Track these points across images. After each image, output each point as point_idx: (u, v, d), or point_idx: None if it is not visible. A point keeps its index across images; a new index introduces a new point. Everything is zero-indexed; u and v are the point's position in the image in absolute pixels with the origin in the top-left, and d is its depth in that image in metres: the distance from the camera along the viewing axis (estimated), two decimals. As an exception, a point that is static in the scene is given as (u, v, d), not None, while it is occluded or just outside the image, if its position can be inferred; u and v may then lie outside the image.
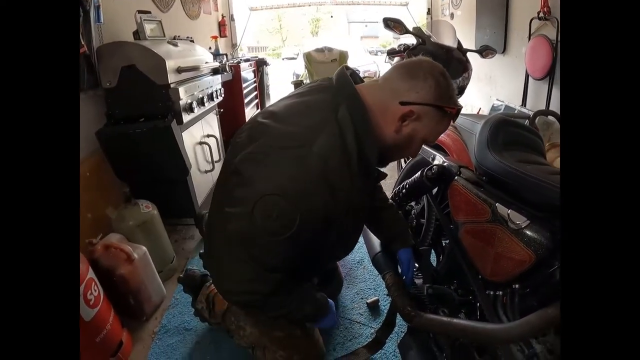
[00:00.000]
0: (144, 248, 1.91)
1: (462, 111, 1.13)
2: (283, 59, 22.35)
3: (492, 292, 1.14)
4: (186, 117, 2.36)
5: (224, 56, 3.98)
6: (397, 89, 1.03)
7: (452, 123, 1.11)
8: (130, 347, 1.75)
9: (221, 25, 5.06)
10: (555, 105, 3.29)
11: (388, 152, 1.11)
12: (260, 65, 4.90)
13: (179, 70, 2.33)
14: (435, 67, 1.04)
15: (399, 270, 1.42)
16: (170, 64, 2.23)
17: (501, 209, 1.08)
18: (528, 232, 1.01)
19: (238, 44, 5.39)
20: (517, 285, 1.05)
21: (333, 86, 1.10)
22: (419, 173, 1.39)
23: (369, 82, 1.16)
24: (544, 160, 1.27)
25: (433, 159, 1.48)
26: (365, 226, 1.53)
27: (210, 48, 3.99)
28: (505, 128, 1.29)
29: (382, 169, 1.22)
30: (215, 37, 4.30)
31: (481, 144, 1.25)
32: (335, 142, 0.99)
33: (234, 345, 1.47)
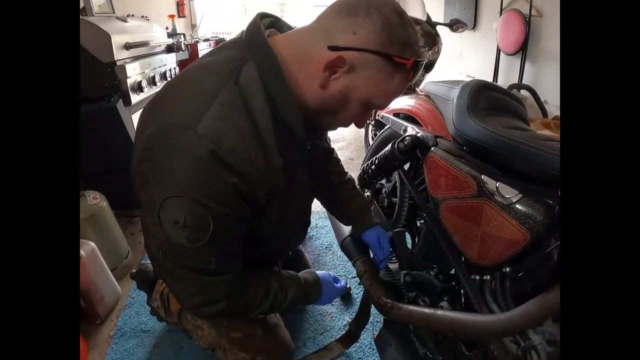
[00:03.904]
0: (92, 244, 1.72)
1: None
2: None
3: (477, 277, 1.01)
4: (135, 98, 2.16)
5: (181, 35, 3.75)
6: (328, 30, 0.77)
7: (412, 81, 0.84)
8: (86, 353, 1.59)
9: (179, 5, 4.78)
10: (528, 80, 3.38)
11: (315, 116, 0.86)
12: (222, 46, 4.68)
13: (127, 47, 2.12)
14: (388, 2, 0.76)
15: (372, 256, 1.28)
16: (117, 40, 2.02)
17: (488, 181, 0.94)
18: (520, 207, 0.87)
19: (198, 25, 5.11)
20: (507, 269, 0.93)
21: (242, 40, 0.85)
22: (389, 146, 1.24)
23: (297, 28, 0.89)
24: (529, 128, 1.14)
25: (405, 130, 1.33)
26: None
27: (167, 28, 3.75)
28: (486, 92, 1.15)
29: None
30: (172, 16, 4.04)
31: (460, 110, 1.11)
32: (230, 114, 0.76)
33: (195, 346, 1.32)
